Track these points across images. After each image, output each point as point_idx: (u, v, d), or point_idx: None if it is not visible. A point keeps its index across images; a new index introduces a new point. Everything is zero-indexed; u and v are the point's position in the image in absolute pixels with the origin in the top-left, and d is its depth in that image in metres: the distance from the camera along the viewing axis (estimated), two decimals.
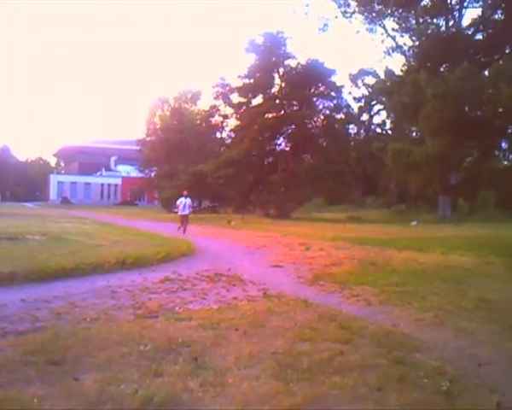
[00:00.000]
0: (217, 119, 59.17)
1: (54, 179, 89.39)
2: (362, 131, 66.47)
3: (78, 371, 4.67)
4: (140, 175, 71.49)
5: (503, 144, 19.60)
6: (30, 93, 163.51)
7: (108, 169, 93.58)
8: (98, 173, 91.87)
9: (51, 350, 5.17)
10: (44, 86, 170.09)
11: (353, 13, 40.77)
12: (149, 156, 64.56)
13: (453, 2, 31.19)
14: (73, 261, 11.05)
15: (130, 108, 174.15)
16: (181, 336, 5.76)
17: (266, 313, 7.15)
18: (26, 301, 7.71)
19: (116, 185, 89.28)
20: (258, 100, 47.27)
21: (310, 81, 45.00)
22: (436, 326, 6.76)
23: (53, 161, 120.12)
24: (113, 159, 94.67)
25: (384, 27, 40.38)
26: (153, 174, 67.53)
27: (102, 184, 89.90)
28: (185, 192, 24.77)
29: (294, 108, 46.42)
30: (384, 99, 47.78)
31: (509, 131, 17.99)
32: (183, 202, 23.83)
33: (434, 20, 31.03)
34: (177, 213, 24.53)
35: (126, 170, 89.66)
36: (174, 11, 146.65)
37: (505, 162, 22.51)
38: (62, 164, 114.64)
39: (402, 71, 29.61)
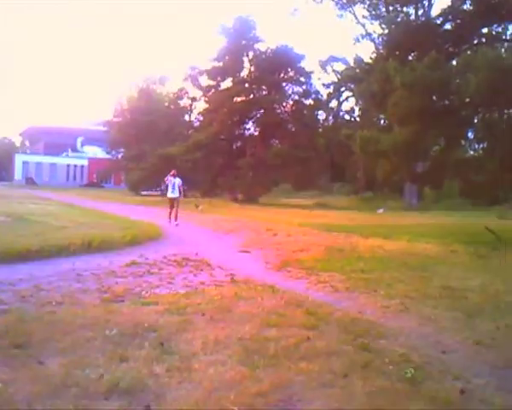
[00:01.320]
0: (185, 101, 59.04)
1: (19, 159, 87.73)
2: (330, 117, 66.64)
3: (42, 355, 4.63)
4: (107, 157, 70.70)
5: (470, 134, 19.85)
6: None
7: (75, 150, 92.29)
8: (64, 154, 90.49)
9: (15, 334, 5.11)
10: (9, 65, 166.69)
11: None
12: (117, 138, 63.78)
13: None
14: (38, 243, 10.90)
15: (98, 88, 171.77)
16: (147, 321, 5.73)
17: (233, 298, 7.16)
18: None
19: (82, 167, 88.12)
20: (227, 83, 47.15)
21: (279, 66, 44.98)
22: (401, 313, 6.84)
23: (18, 141, 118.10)
24: (79, 140, 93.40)
25: (354, 14, 40.48)
26: (120, 156, 66.81)
27: (68, 165, 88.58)
28: (173, 171, 21.03)
29: (263, 92, 46.46)
30: (353, 86, 48.03)
31: (475, 121, 18.22)
32: (172, 182, 20.57)
33: (404, 9, 31.19)
34: (165, 195, 22.26)
35: (93, 151, 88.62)
36: None
37: (471, 152, 22.81)
38: (28, 144, 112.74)
39: (371, 59, 29.76)
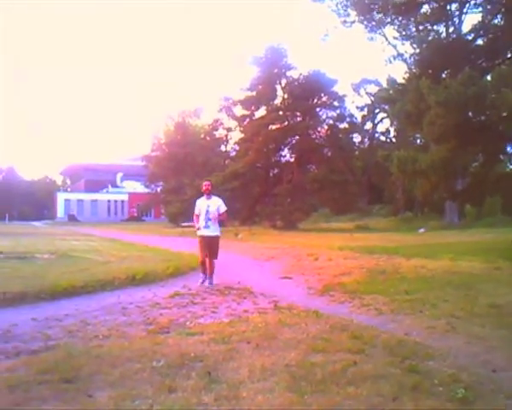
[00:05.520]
0: (221, 132, 59.64)
1: (61, 197, 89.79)
2: (366, 139, 66.61)
3: (91, 389, 4.66)
4: (146, 191, 71.66)
5: (508, 149, 19.60)
6: (34, 113, 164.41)
7: (115, 186, 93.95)
8: (104, 190, 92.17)
9: (64, 368, 5.15)
10: (49, 105, 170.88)
11: (353, 22, 40.68)
12: (155, 171, 64.71)
13: (453, 9, 31.22)
14: (83, 279, 11.06)
15: (135, 124, 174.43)
16: (193, 351, 5.74)
17: (278, 325, 7.14)
18: (37, 320, 7.72)
19: (123, 201, 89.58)
20: (261, 112, 47.53)
21: (312, 92, 45.10)
22: (448, 333, 6.74)
23: (59, 180, 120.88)
24: (119, 175, 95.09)
25: (384, 36, 40.41)
26: (159, 189, 67.65)
27: (109, 201, 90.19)
28: (206, 185, 12.14)
29: (298, 118, 46.59)
30: (387, 107, 47.85)
31: None
32: (205, 209, 11.73)
33: (434, 27, 31.11)
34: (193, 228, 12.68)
35: (132, 186, 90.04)
36: (176, 29, 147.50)
37: (511, 167, 22.50)
38: (69, 182, 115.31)
39: (404, 79, 29.69)
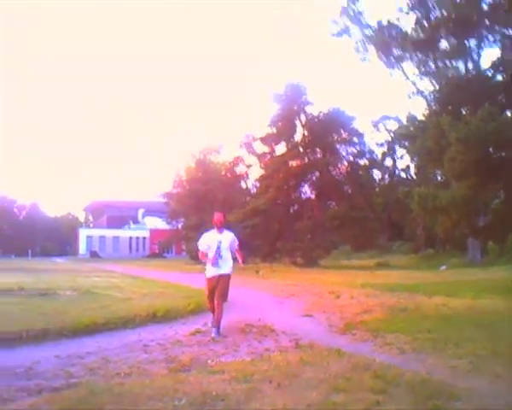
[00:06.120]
0: (241, 169, 59.85)
1: (83, 234, 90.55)
2: (386, 176, 66.46)
3: None
4: (167, 227, 71.92)
5: None
6: (57, 151, 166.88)
7: (136, 222, 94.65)
8: (126, 227, 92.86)
9: (86, 406, 5.20)
10: (71, 143, 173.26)
11: (372, 59, 40.95)
12: (176, 208, 64.99)
13: (472, 45, 31.37)
14: (104, 316, 11.12)
15: (157, 161, 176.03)
16: (215, 390, 5.72)
17: (299, 363, 7.10)
18: (59, 358, 7.76)
19: (144, 238, 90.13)
20: (281, 148, 47.89)
21: (332, 128, 45.46)
22: (471, 373, 6.66)
23: (82, 216, 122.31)
24: (140, 212, 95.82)
25: (403, 72, 40.61)
26: (180, 226, 67.82)
27: (131, 238, 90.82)
28: (219, 216, 10.25)
29: (318, 155, 46.90)
30: (407, 144, 47.91)
31: None
32: (217, 241, 10.01)
33: (453, 63, 31.27)
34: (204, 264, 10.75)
35: (154, 222, 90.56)
36: (198, 65, 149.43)
37: None
38: (91, 218, 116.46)
39: (424, 115, 29.81)
